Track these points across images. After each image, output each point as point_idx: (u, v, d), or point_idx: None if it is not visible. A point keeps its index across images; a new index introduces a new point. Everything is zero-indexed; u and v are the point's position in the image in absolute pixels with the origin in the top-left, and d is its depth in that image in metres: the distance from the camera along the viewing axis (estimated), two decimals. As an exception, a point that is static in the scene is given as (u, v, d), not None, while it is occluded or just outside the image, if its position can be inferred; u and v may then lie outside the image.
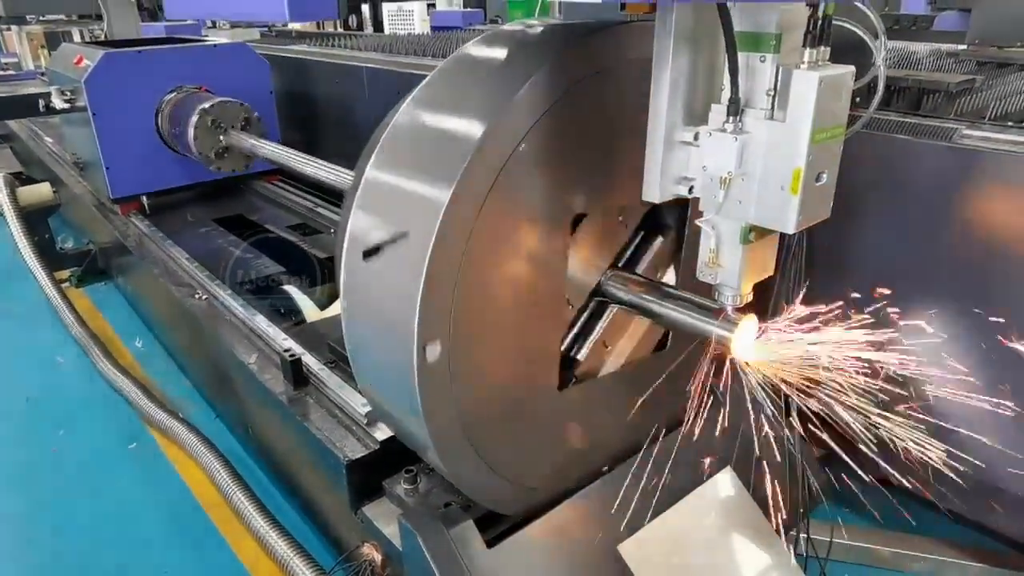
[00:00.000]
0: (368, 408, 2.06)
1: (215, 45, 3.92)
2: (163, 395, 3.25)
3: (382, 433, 2.03)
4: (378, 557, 1.95)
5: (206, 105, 3.52)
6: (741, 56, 1.26)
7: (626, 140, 1.58)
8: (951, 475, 2.12)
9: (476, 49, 1.65)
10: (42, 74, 6.49)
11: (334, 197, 3.79)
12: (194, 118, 3.50)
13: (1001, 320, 1.88)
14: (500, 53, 1.59)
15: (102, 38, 5.78)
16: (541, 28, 1.64)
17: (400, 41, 4.14)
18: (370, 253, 1.55)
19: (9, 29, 8.73)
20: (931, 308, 2.00)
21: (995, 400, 1.93)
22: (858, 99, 1.68)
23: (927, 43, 3.57)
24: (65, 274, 4.56)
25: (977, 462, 2.01)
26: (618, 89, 1.60)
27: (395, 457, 1.94)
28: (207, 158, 3.59)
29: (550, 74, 1.46)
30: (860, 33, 1.40)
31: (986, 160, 1.80)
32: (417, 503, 1.84)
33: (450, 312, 1.46)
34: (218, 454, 2.67)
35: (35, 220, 4.45)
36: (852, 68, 1.26)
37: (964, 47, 3.16)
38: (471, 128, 1.43)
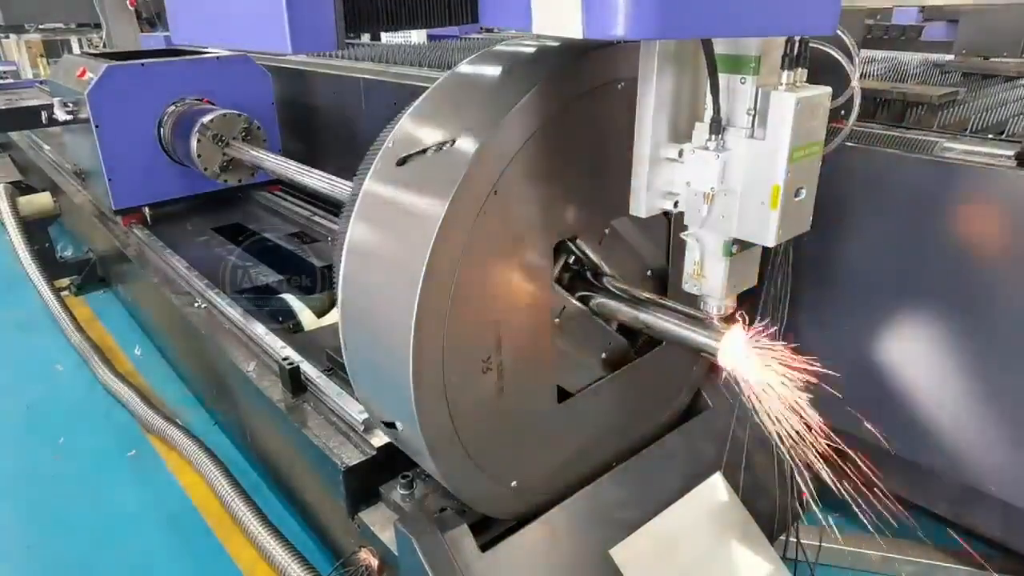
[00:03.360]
0: (365, 415, 2.10)
1: (217, 57, 3.92)
2: (162, 402, 3.29)
3: (379, 439, 2.07)
4: (374, 562, 1.98)
5: (207, 118, 3.54)
6: (722, 77, 1.30)
7: (617, 158, 1.63)
8: (939, 479, 2.16)
9: (472, 67, 1.71)
10: (41, 82, 6.51)
11: (331, 206, 3.82)
12: (196, 130, 3.52)
13: (982, 329, 1.92)
14: (495, 71, 1.64)
15: (101, 47, 5.81)
16: (535, 47, 1.69)
17: (396, 51, 4.18)
18: (402, 162, 1.57)
19: (8, 37, 8.76)
20: (913, 318, 2.05)
21: (980, 405, 1.97)
22: (843, 112, 1.73)
23: (916, 53, 3.63)
24: (65, 282, 4.58)
25: (964, 466, 2.06)
26: (609, 107, 1.65)
27: (392, 463, 1.97)
28: (208, 166, 3.61)
29: (543, 92, 1.51)
30: (836, 55, 1.45)
31: (963, 173, 1.84)
32: (413, 508, 1.87)
33: (445, 320, 1.51)
34: (217, 461, 2.69)
35: (35, 229, 4.49)
36: (828, 89, 1.31)
37: (951, 57, 3.21)
38: (466, 144, 1.47)
